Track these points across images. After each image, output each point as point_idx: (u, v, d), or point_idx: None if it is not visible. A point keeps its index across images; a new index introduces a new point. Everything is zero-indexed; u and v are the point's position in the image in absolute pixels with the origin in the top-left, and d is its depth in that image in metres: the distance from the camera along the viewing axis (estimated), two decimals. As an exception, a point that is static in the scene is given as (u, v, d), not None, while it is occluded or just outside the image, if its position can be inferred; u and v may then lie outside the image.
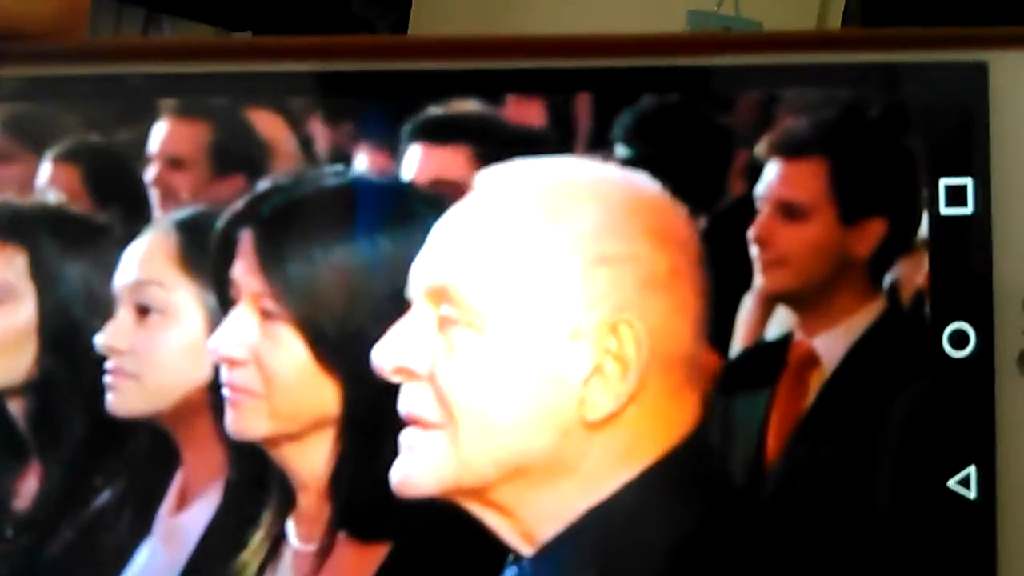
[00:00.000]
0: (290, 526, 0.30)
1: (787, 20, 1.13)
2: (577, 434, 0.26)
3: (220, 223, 0.29)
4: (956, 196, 0.27)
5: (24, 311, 0.31)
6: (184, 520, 0.31)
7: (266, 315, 0.29)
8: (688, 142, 0.28)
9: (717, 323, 0.27)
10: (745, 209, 0.28)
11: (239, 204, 0.29)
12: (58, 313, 0.31)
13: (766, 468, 0.27)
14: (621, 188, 0.27)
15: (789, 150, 0.28)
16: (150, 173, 0.31)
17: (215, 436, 0.30)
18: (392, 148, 0.29)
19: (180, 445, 0.31)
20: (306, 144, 0.29)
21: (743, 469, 0.28)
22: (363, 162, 0.29)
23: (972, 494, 0.26)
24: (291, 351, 0.29)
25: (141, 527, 0.30)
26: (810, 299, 0.29)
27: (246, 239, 0.29)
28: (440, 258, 0.27)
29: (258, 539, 0.30)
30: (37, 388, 0.31)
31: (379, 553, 0.29)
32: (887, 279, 0.28)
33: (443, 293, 0.27)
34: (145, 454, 0.31)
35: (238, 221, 0.29)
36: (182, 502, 0.31)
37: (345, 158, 0.29)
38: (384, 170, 0.30)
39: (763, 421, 0.28)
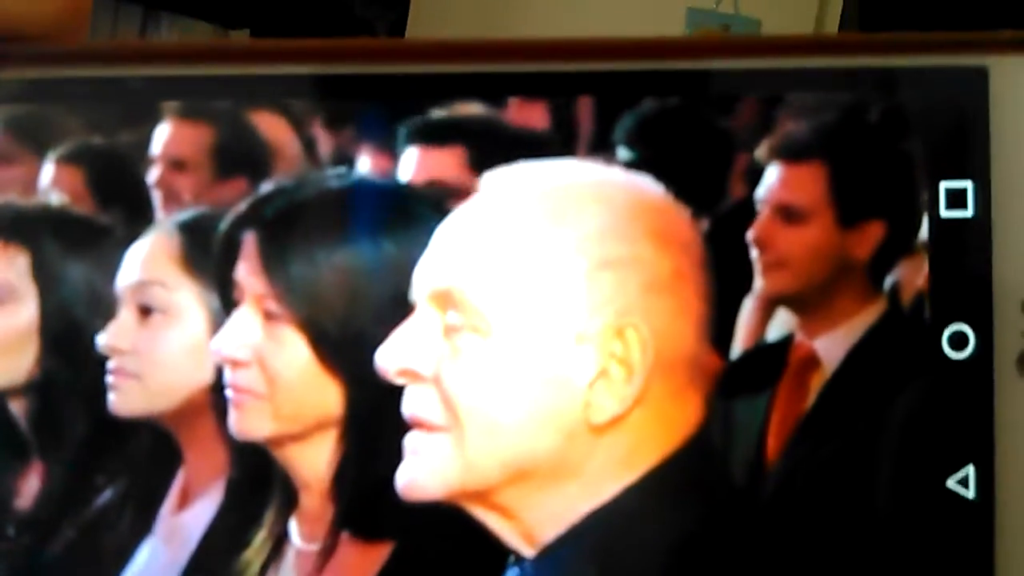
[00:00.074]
0: (293, 525, 0.30)
1: (785, 17, 1.12)
2: (582, 437, 0.26)
3: (223, 225, 0.29)
4: (956, 199, 0.27)
5: (26, 311, 0.31)
6: (186, 519, 0.31)
7: (269, 316, 0.29)
8: (689, 145, 0.28)
9: (718, 325, 0.27)
10: (746, 212, 0.28)
11: (242, 206, 0.29)
12: (60, 313, 0.31)
13: (766, 468, 0.28)
14: (625, 191, 0.27)
15: (789, 154, 0.28)
16: (152, 175, 0.31)
17: (217, 436, 0.30)
18: (394, 151, 0.29)
19: (182, 445, 0.31)
20: (309, 146, 0.29)
21: (743, 470, 0.28)
22: (365, 164, 0.29)
23: (971, 494, 0.26)
24: (294, 352, 0.29)
25: (142, 526, 0.30)
26: (810, 301, 0.29)
27: (249, 241, 0.30)
28: (444, 261, 0.27)
29: (261, 538, 0.30)
30: (39, 388, 0.31)
31: (382, 553, 0.29)
32: (888, 281, 0.28)
33: (448, 296, 0.27)
34: (146, 453, 0.31)
35: (241, 223, 0.29)
36: (184, 501, 0.31)
37: (348, 160, 0.29)
38: (386, 172, 0.30)
39: (764, 422, 0.28)
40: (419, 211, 0.29)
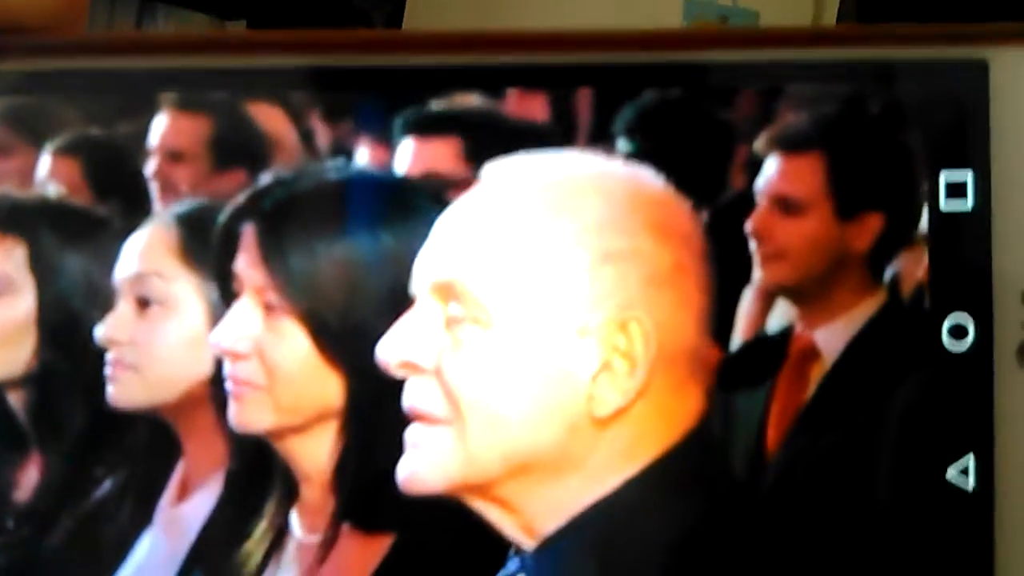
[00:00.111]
0: (294, 517, 0.30)
1: (783, 8, 1.12)
2: (584, 430, 0.26)
3: (222, 217, 0.29)
4: (956, 191, 0.27)
5: (23, 303, 0.31)
6: (185, 510, 0.31)
7: (269, 308, 0.29)
8: (689, 137, 0.28)
9: (718, 317, 0.27)
10: (745, 203, 0.28)
11: (241, 198, 0.29)
12: (57, 305, 0.31)
13: (766, 460, 0.28)
14: (625, 183, 0.27)
15: (788, 145, 0.28)
16: (150, 166, 0.31)
17: (217, 428, 0.30)
18: (392, 143, 0.29)
19: (181, 437, 0.31)
20: (307, 138, 0.29)
21: (744, 461, 0.28)
22: (364, 156, 0.29)
23: (970, 485, 0.26)
24: (294, 344, 0.29)
25: (142, 517, 0.30)
26: (810, 292, 0.29)
27: (248, 233, 0.29)
28: (445, 253, 0.27)
29: (261, 529, 0.30)
30: (37, 380, 0.31)
31: (383, 544, 0.29)
32: (887, 272, 0.28)
33: (450, 288, 0.27)
34: (145, 445, 0.31)
35: (240, 215, 0.29)
36: (183, 492, 0.31)
37: (346, 152, 0.29)
38: (385, 164, 0.30)
39: (764, 413, 0.28)
40: (418, 203, 0.29)
